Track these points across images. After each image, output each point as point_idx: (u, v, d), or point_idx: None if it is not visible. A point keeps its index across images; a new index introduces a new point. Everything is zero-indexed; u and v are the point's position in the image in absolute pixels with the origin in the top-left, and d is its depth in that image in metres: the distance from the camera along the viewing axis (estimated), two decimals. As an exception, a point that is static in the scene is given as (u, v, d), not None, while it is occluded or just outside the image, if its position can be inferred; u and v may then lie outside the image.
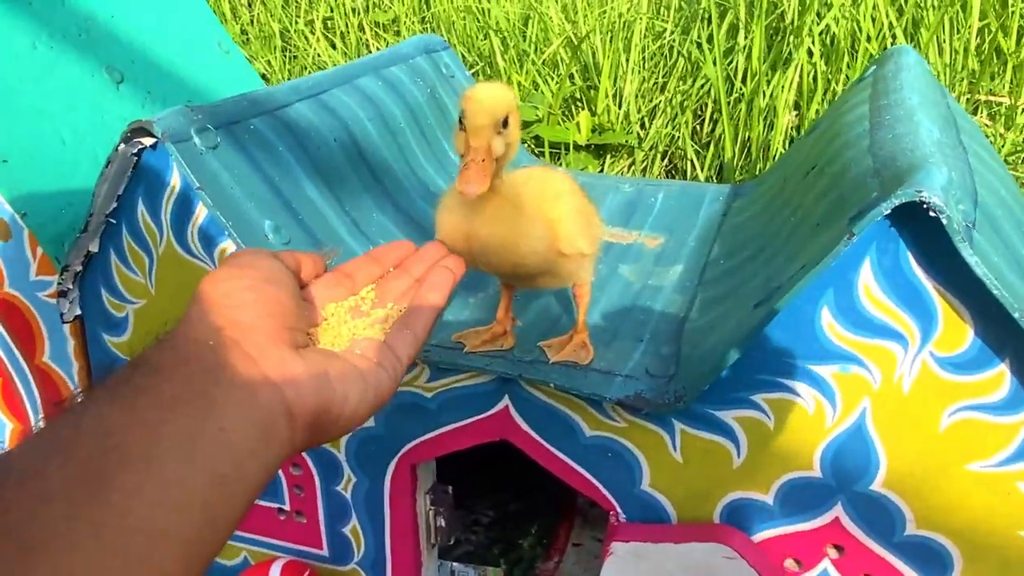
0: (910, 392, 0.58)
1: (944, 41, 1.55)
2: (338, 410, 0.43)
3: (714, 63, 1.63)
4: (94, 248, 0.78)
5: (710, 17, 1.71)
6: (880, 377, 0.58)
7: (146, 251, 0.77)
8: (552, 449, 0.70)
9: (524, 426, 0.70)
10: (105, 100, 0.95)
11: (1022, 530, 0.58)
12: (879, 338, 0.57)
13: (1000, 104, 1.50)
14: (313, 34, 2.33)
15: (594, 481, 0.69)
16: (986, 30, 1.54)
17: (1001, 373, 0.55)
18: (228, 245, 0.73)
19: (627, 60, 1.81)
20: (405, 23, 2.34)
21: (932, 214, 0.50)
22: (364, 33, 2.36)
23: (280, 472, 0.81)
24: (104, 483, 0.32)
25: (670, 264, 0.86)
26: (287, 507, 0.83)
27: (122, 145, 0.71)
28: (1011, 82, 1.51)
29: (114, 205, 0.76)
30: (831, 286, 0.57)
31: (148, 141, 0.71)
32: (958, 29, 1.55)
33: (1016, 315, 0.50)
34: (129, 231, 0.77)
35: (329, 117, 0.85)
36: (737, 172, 1.58)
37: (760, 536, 0.66)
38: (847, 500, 0.62)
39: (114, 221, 0.77)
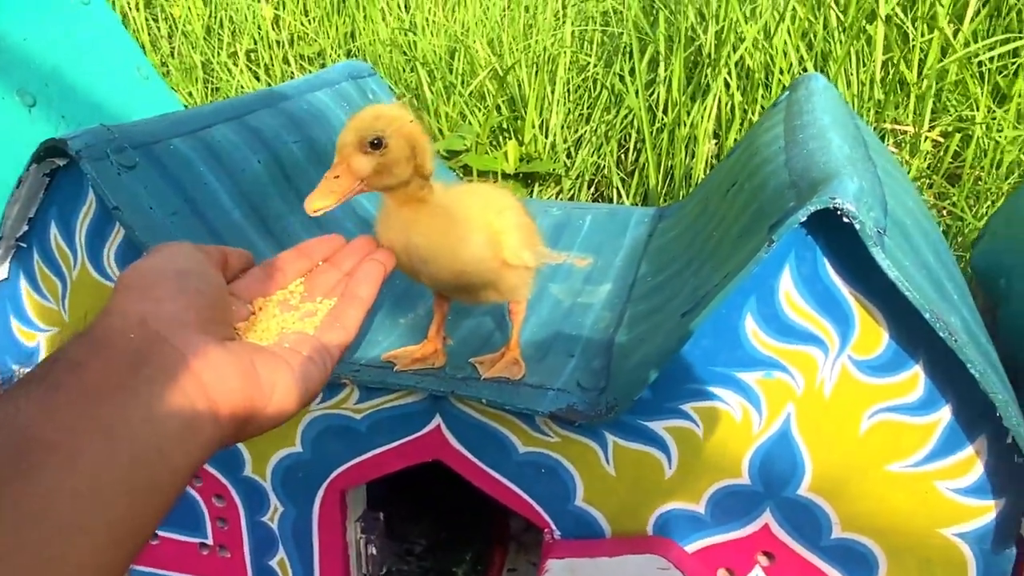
0: (831, 396, 0.59)
1: (851, 73, 1.63)
2: (264, 401, 0.43)
3: (636, 95, 1.67)
4: (2, 274, 0.75)
5: (631, 51, 1.76)
6: (803, 382, 0.59)
7: (59, 276, 0.74)
8: (485, 468, 0.69)
9: (457, 445, 0.69)
10: (16, 124, 0.92)
11: (941, 528, 0.60)
12: (801, 343, 0.59)
13: (905, 132, 1.57)
14: (236, 66, 2.31)
15: (528, 499, 0.69)
16: (890, 63, 1.63)
17: (915, 374, 0.57)
18: (147, 267, 0.71)
19: (552, 92, 1.84)
20: (331, 55, 2.34)
21: (846, 220, 0.52)
22: (289, 65, 2.34)
23: (203, 505, 0.78)
24: (21, 477, 0.31)
25: (599, 283, 0.87)
26: (210, 541, 0.80)
27: (34, 165, 0.69)
28: (914, 111, 1.59)
29: (25, 228, 0.73)
30: (753, 293, 0.58)
31: (62, 161, 0.69)
32: (864, 62, 1.63)
33: (927, 315, 0.52)
34: (41, 255, 0.74)
35: (253, 139, 0.84)
36: (661, 199, 1.61)
37: (693, 546, 0.66)
38: (775, 506, 0.63)
39: (24, 245, 0.73)
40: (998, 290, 0.77)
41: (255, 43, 2.42)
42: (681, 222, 0.95)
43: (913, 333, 0.56)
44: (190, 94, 2.24)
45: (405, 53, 2.22)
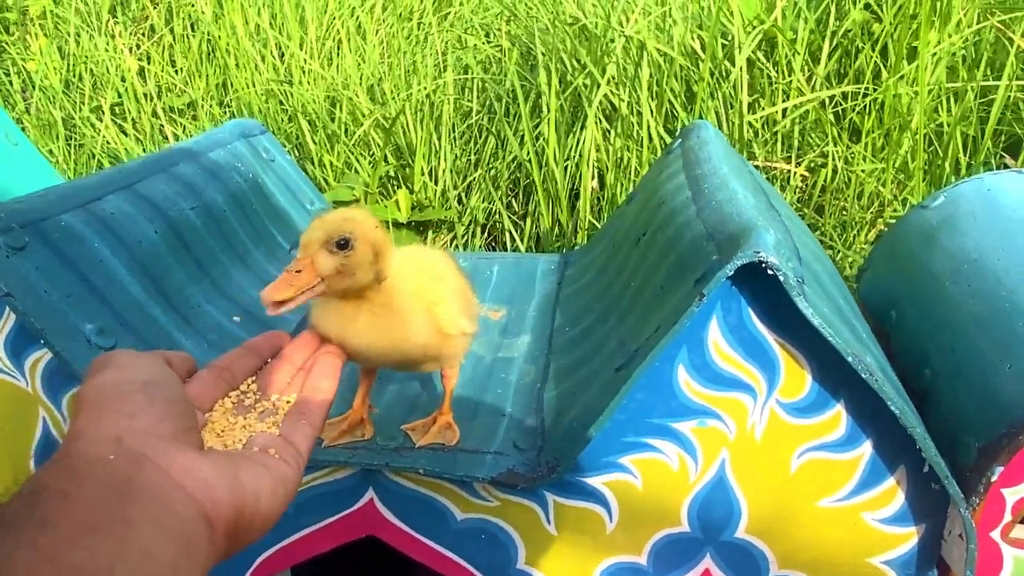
0: (762, 439, 0.61)
1: (721, 114, 1.72)
2: (252, 510, 0.41)
3: (521, 141, 1.70)
4: None
5: (513, 96, 1.79)
6: (735, 428, 0.61)
7: (-63, 370, 0.67)
8: (423, 539, 0.67)
9: (391, 518, 0.67)
10: None
11: (869, 557, 0.63)
12: (731, 391, 0.60)
13: (776, 168, 1.67)
14: (101, 120, 2.19)
15: (468, 567, 0.67)
16: (757, 104, 1.73)
17: (838, 413, 0.60)
18: (43, 354, 0.66)
19: (438, 139, 1.85)
20: (203, 106, 2.26)
21: (770, 272, 0.55)
22: (158, 118, 2.25)
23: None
24: None
25: (516, 335, 0.87)
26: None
27: (-94, 251, 0.62)
28: (781, 149, 1.70)
29: None
30: (684, 344, 0.60)
31: (-61, 245, 0.63)
32: (731, 104, 1.73)
33: (850, 359, 0.55)
34: (-86, 348, 0.67)
35: (147, 208, 0.80)
36: (554, 241, 1.64)
37: (637, 598, 0.66)
38: (715, 550, 0.65)
39: None
40: (889, 320, 0.82)
41: (119, 96, 2.31)
42: (589, 269, 0.97)
43: (834, 375, 0.59)
44: (51, 152, 2.11)
45: (282, 103, 2.18)
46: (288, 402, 0.50)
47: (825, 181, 1.66)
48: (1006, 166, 1.68)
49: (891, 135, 1.65)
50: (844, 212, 1.64)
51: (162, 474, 0.38)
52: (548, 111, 1.70)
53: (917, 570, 0.63)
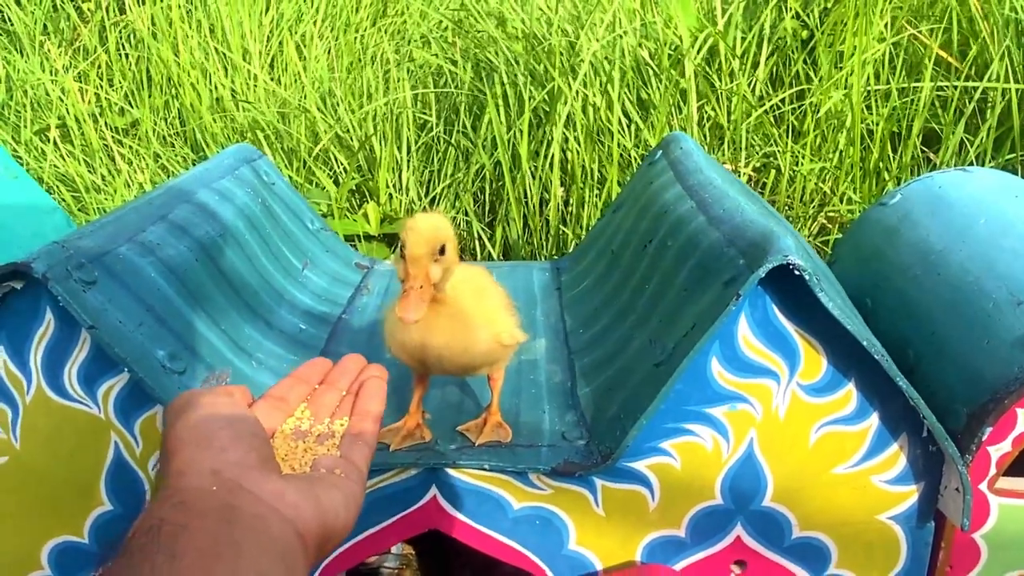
0: (785, 418, 0.70)
1: (672, 120, 1.82)
2: (332, 525, 0.47)
3: (488, 150, 1.77)
4: (-63, 408, 0.69)
5: (473, 106, 1.86)
6: (762, 410, 0.70)
7: (9, 403, 0.70)
8: (483, 529, 0.73)
9: (453, 512, 0.73)
10: None
11: (878, 514, 0.73)
12: (758, 377, 0.69)
13: (726, 169, 1.78)
14: (46, 143, 2.15)
15: (524, 551, 0.74)
16: (704, 111, 1.84)
17: (849, 391, 0.69)
18: (116, 382, 0.69)
19: (400, 150, 1.90)
20: (151, 125, 2.24)
21: (796, 272, 0.63)
22: (104, 139, 2.22)
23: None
24: None
25: (532, 338, 0.94)
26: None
27: (-14, 291, 0.65)
28: (729, 151, 1.81)
29: (-33, 357, 0.68)
30: (717, 339, 0.68)
31: (19, 284, 0.66)
32: (681, 110, 1.84)
33: (864, 343, 0.64)
34: (-14, 383, 0.69)
35: (184, 236, 0.83)
36: (523, 247, 1.71)
37: (677, 567, 0.74)
38: (745, 519, 0.73)
39: (-34, 375, 0.69)
40: (865, 307, 0.93)
41: (60, 119, 2.27)
42: (588, 275, 1.04)
43: (846, 357, 0.68)
44: (-3, 178, 2.06)
45: (234, 120, 2.19)
46: (342, 424, 0.56)
47: (771, 181, 1.79)
48: (928, 159, 1.84)
49: (828, 135, 1.79)
50: (790, 208, 1.77)
51: (257, 500, 0.44)
52: (517, 121, 1.77)
53: (918, 522, 0.72)
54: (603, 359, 0.83)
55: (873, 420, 0.70)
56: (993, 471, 0.71)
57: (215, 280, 0.84)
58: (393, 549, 1.07)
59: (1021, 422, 0.69)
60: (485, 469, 0.70)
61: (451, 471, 0.71)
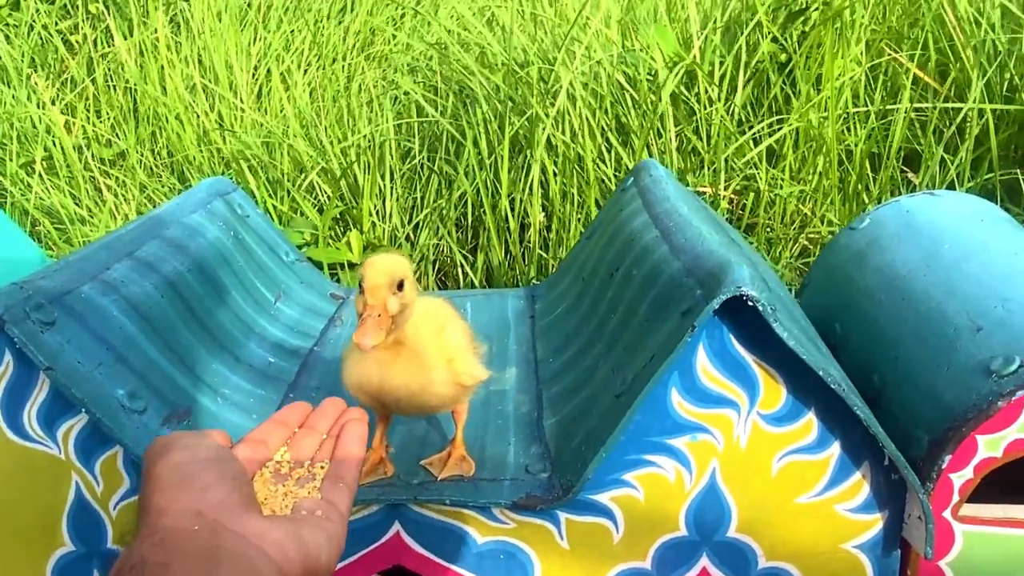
0: (747, 448, 0.70)
1: (652, 144, 1.83)
2: (315, 565, 0.46)
3: (467, 177, 1.78)
4: None
5: (456, 135, 1.87)
6: (723, 440, 0.70)
7: (-33, 444, 0.70)
8: (447, 565, 0.73)
9: (417, 548, 0.72)
10: None
11: (843, 543, 0.72)
12: (718, 407, 0.69)
13: (704, 193, 1.79)
14: (31, 176, 2.16)
15: (489, 586, 0.73)
16: (683, 135, 1.85)
17: (810, 420, 0.69)
18: (75, 422, 0.69)
19: (383, 179, 1.91)
20: (138, 156, 2.25)
21: (750, 304, 0.64)
22: (90, 170, 2.23)
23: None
24: None
25: (503, 368, 0.94)
26: None
27: (-57, 333, 0.65)
28: (708, 174, 1.82)
29: (-75, 399, 0.68)
30: (676, 370, 0.68)
31: (-25, 325, 0.66)
32: (660, 134, 1.85)
33: (820, 373, 0.65)
34: (-55, 425, 0.69)
35: (151, 273, 0.83)
36: (505, 274, 1.72)
37: (644, 600, 0.74)
38: (710, 550, 0.73)
39: (-75, 417, 0.69)
40: (834, 333, 0.93)
41: (46, 151, 2.28)
42: (560, 302, 1.05)
43: (804, 387, 0.68)
44: (-19, 212, 2.06)
45: (219, 151, 2.20)
46: (322, 467, 0.55)
47: (751, 203, 1.79)
48: (908, 180, 1.85)
49: (807, 158, 1.80)
50: (770, 230, 1.78)
51: (241, 539, 0.44)
52: (497, 147, 1.78)
53: (883, 551, 0.72)
54: (570, 389, 0.83)
55: (835, 449, 0.70)
56: (956, 498, 0.70)
57: (181, 316, 0.85)
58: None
59: (982, 449, 0.69)
60: (446, 504, 0.69)
61: (415, 506, 0.71)
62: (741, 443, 0.70)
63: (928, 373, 0.74)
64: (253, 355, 0.91)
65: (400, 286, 0.61)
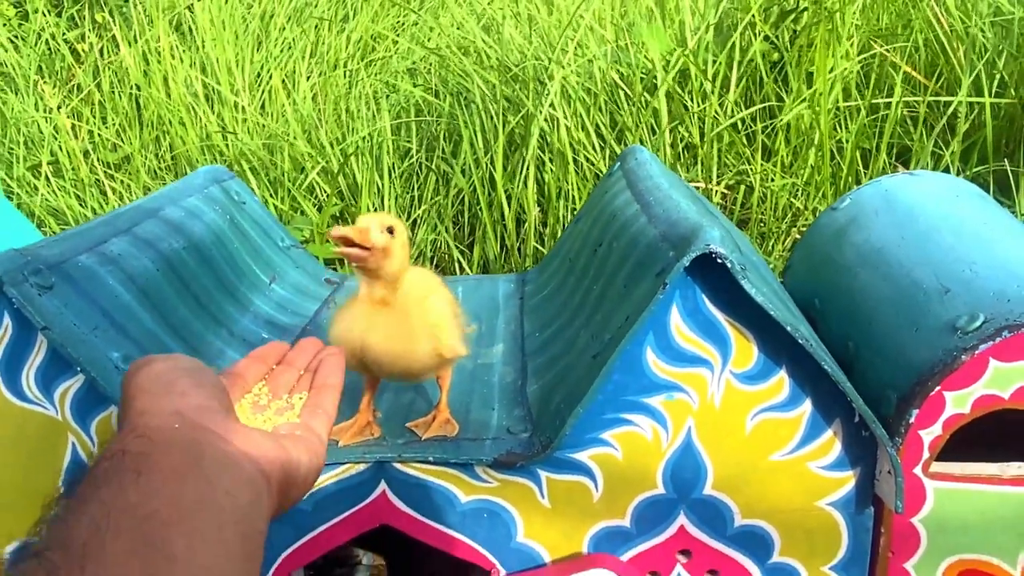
0: (721, 406, 0.72)
1: (646, 141, 1.86)
2: (294, 472, 0.48)
3: (464, 175, 1.81)
4: (-100, 413, 0.72)
5: (451, 134, 1.90)
6: (698, 398, 0.72)
7: (-32, 405, 0.72)
8: (432, 523, 0.75)
9: (402, 507, 0.75)
10: None
11: (816, 501, 0.74)
12: (692, 366, 0.71)
13: (698, 188, 1.82)
14: (38, 179, 2.20)
15: (473, 544, 0.75)
16: (677, 132, 1.88)
17: (781, 378, 0.71)
18: (72, 383, 0.72)
19: (381, 178, 1.94)
20: (142, 160, 2.29)
21: (719, 261, 0.66)
22: (95, 172, 2.27)
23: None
24: (158, 550, 0.35)
25: (491, 344, 0.96)
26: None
27: (-55, 295, 0.68)
28: (701, 170, 1.85)
29: (-72, 361, 0.71)
30: (651, 330, 0.70)
31: (-25, 288, 0.69)
32: (654, 131, 1.88)
33: (788, 328, 0.67)
34: (-53, 387, 0.72)
35: (148, 249, 0.86)
36: (501, 267, 1.74)
37: (623, 557, 0.76)
38: (688, 508, 0.75)
39: (-73, 379, 0.71)
40: (814, 308, 0.95)
41: (53, 155, 2.32)
42: (549, 283, 1.07)
43: (776, 345, 0.70)
44: (-11, 213, 2.10)
45: (222, 154, 2.23)
46: (301, 398, 0.57)
47: (743, 197, 1.82)
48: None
49: (799, 152, 1.82)
50: (763, 224, 1.80)
51: (221, 439, 0.44)
52: (493, 145, 1.81)
53: (856, 508, 0.74)
54: (551, 359, 0.85)
55: (806, 406, 0.72)
56: (926, 455, 0.72)
57: (177, 291, 0.87)
58: (364, 560, 1.08)
59: (950, 406, 0.71)
60: (429, 461, 0.72)
61: (399, 466, 0.73)
62: (715, 402, 0.72)
63: (898, 335, 0.76)
64: (247, 330, 0.94)
65: (389, 231, 0.64)
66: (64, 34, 2.87)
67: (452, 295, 0.78)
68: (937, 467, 0.73)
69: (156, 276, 0.85)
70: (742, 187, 1.81)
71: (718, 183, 1.82)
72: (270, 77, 2.45)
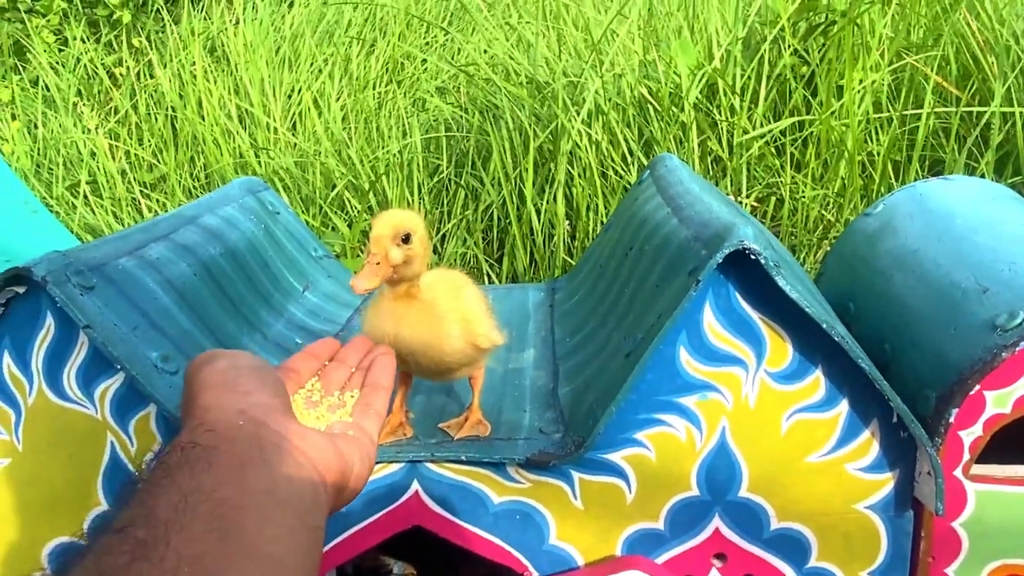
0: (755, 406, 0.71)
1: (675, 154, 1.86)
2: (349, 474, 0.49)
3: (497, 188, 1.82)
4: (-55, 412, 0.73)
5: (481, 150, 1.92)
6: (732, 398, 0.71)
7: (12, 405, 0.74)
8: (464, 524, 0.75)
9: (435, 508, 0.74)
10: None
11: (854, 503, 0.73)
12: (726, 366, 0.71)
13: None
14: (76, 197, 2.25)
15: (506, 546, 0.75)
16: (705, 145, 1.88)
17: (817, 378, 0.71)
18: (111, 383, 0.73)
19: (411, 193, 1.96)
20: (177, 179, 2.34)
21: (752, 258, 0.66)
22: (131, 191, 2.31)
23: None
24: (232, 530, 0.37)
25: (521, 350, 0.97)
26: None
27: (-8, 295, 0.70)
28: (730, 183, 1.84)
29: (-26, 361, 0.72)
30: (684, 329, 0.70)
31: (21, 288, 0.70)
32: (682, 144, 1.88)
33: (824, 325, 0.66)
34: (-9, 386, 0.73)
35: (186, 254, 0.88)
36: (531, 280, 1.75)
37: (657, 561, 0.75)
38: (722, 510, 0.74)
39: (-27, 378, 0.73)
40: (849, 312, 0.94)
41: (91, 175, 2.37)
42: (579, 290, 1.07)
43: (811, 344, 0.70)
44: (29, 230, 2.15)
45: (255, 172, 2.27)
46: (353, 396, 0.58)
47: (773, 209, 1.81)
48: (933, 186, 1.86)
49: (829, 164, 1.81)
50: (793, 236, 1.79)
51: (282, 438, 0.46)
52: (523, 160, 1.82)
53: (896, 511, 0.73)
54: (583, 361, 0.85)
55: (843, 407, 0.71)
56: (967, 456, 0.71)
57: (214, 295, 0.89)
58: (395, 569, 1.08)
59: (990, 405, 0.70)
60: (462, 461, 0.72)
61: (432, 466, 0.74)
62: (750, 401, 0.71)
63: (936, 335, 0.75)
64: (281, 335, 0.95)
65: (407, 240, 0.64)
66: (102, 59, 2.95)
67: (480, 290, 0.78)
68: (978, 469, 0.72)
69: (193, 280, 0.86)
70: (772, 199, 1.80)
71: (747, 195, 1.81)
72: (301, 98, 2.49)
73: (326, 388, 0.58)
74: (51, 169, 2.41)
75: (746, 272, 0.68)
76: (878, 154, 1.78)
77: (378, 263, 0.63)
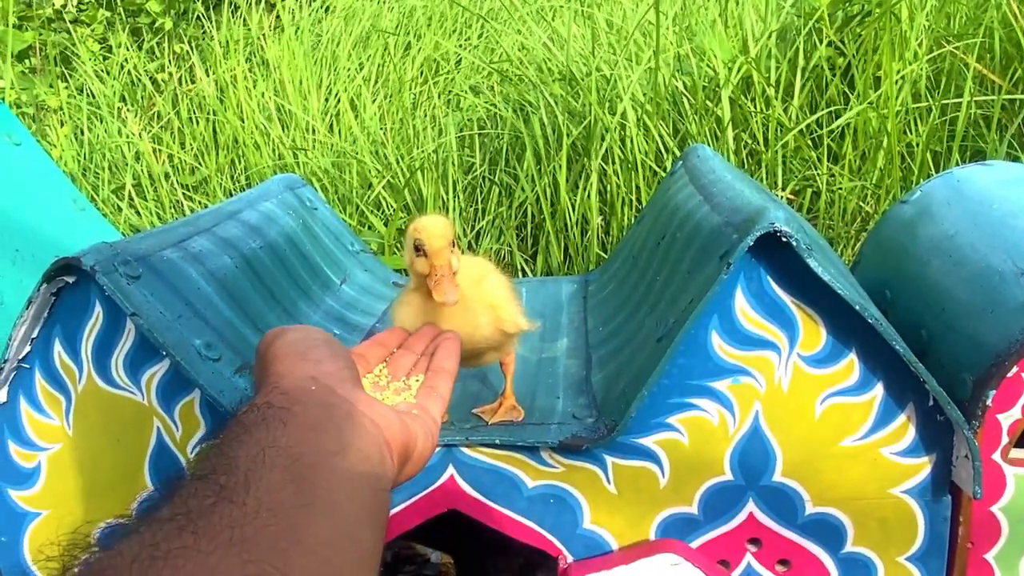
0: (789, 390, 0.71)
1: (710, 147, 1.85)
2: (413, 446, 0.51)
3: (530, 184, 1.83)
4: (1, 398, 0.76)
5: (515, 146, 1.93)
6: (765, 382, 0.71)
7: (63, 391, 0.77)
8: (499, 508, 0.76)
9: (470, 491, 0.76)
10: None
11: (891, 488, 0.73)
12: (759, 349, 0.71)
13: (763, 194, 1.80)
14: (122, 200, 2.31)
15: (540, 530, 0.76)
16: (740, 138, 1.87)
17: (851, 361, 0.70)
18: (158, 369, 0.76)
19: (446, 191, 1.98)
20: (218, 181, 2.39)
21: (784, 240, 0.66)
22: (175, 193, 2.37)
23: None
24: (307, 483, 0.39)
25: (554, 340, 0.97)
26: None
27: (44, 285, 0.72)
28: (766, 175, 1.83)
29: (27, 349, 0.75)
30: (716, 313, 0.70)
31: (71, 278, 0.73)
32: (717, 137, 1.87)
33: (857, 307, 0.66)
34: (44, 373, 0.76)
35: (227, 247, 0.90)
36: (565, 274, 1.75)
37: (691, 545, 0.75)
38: (756, 495, 0.74)
39: (27, 366, 0.76)
40: (885, 299, 0.93)
41: (135, 178, 2.43)
42: (612, 281, 1.08)
43: (845, 327, 0.70)
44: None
45: (295, 171, 2.31)
46: (418, 380, 0.60)
47: (809, 202, 1.79)
48: (974, 177, 1.82)
49: (867, 156, 1.79)
50: (830, 228, 1.77)
51: (351, 404, 0.48)
52: (556, 156, 1.83)
53: (933, 496, 0.72)
54: (616, 348, 0.86)
55: (878, 390, 0.71)
56: (1005, 440, 0.70)
57: (254, 286, 0.91)
58: (432, 557, 1.10)
59: (1029, 388, 0.69)
60: (496, 444, 0.73)
61: (467, 450, 0.75)
62: (783, 385, 0.71)
63: (973, 319, 0.74)
64: (319, 326, 0.97)
65: (453, 244, 0.67)
66: (145, 66, 3.02)
67: (503, 276, 0.79)
68: (1017, 453, 0.71)
69: (235, 272, 0.88)
70: (808, 191, 1.78)
71: (783, 188, 1.80)
72: (338, 100, 2.53)
73: (393, 374, 0.60)
74: (97, 173, 2.48)
75: (778, 255, 0.68)
76: (917, 145, 1.75)
77: (451, 273, 0.66)
